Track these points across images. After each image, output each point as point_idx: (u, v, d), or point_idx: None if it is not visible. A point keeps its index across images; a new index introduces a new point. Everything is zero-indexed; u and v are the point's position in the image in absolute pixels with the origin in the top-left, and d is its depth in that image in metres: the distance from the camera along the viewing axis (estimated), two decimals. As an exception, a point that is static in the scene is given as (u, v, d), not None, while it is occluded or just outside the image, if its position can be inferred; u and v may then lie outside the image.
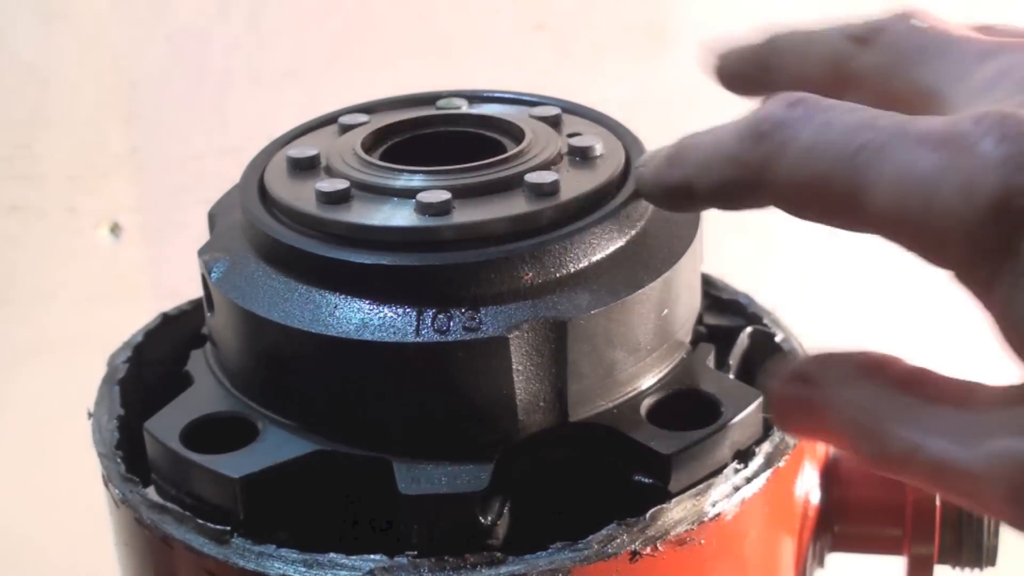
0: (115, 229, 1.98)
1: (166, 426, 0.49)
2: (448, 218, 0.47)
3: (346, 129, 0.55)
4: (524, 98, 0.57)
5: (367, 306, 0.46)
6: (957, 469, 0.37)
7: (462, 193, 0.48)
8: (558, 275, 0.46)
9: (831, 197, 0.39)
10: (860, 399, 0.40)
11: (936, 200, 0.36)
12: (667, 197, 0.45)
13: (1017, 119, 0.36)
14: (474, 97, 0.57)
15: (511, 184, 0.49)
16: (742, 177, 0.41)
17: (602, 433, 0.48)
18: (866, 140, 0.38)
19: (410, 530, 0.45)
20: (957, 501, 0.39)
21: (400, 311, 0.46)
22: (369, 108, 0.57)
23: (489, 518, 0.45)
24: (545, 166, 0.50)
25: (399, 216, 0.48)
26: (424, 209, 0.47)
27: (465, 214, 0.47)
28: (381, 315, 0.46)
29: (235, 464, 0.46)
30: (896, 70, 0.44)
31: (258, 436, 0.48)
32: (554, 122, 0.54)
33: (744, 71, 0.49)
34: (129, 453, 0.51)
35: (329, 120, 0.57)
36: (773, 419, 0.44)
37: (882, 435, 0.39)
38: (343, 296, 0.47)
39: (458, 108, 0.56)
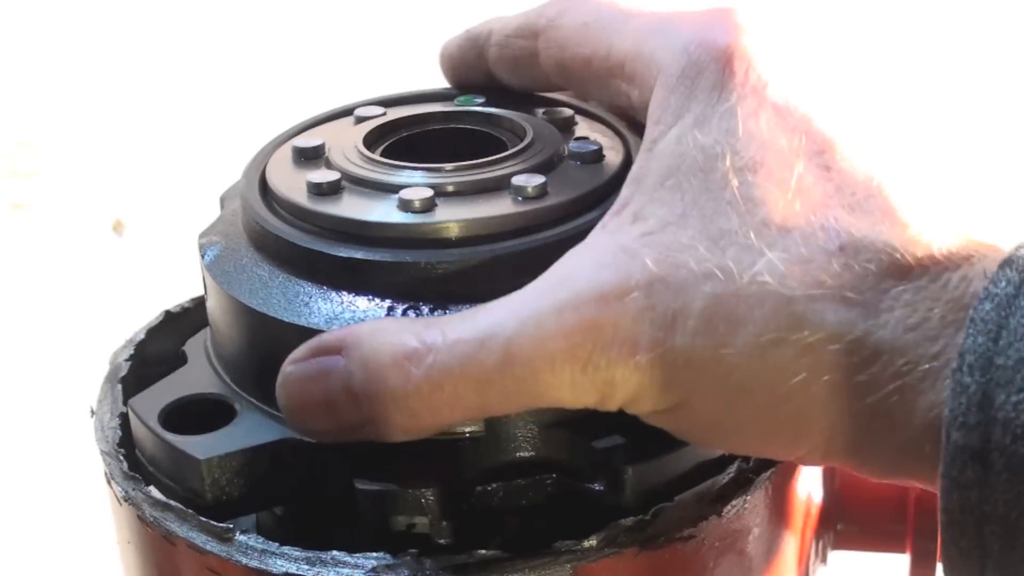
0: (118, 227, 1.98)
1: (149, 405, 0.49)
2: (428, 216, 0.47)
3: (360, 121, 0.55)
4: (541, 98, 0.56)
5: (339, 299, 0.46)
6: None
7: (447, 192, 0.48)
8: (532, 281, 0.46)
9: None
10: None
11: None
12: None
13: None
14: (493, 95, 0.57)
15: (499, 185, 0.49)
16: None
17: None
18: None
19: (368, 525, 0.45)
20: None
21: (370, 305, 0.46)
22: (386, 102, 0.57)
23: (441, 540, 0.45)
24: (537, 169, 0.50)
25: (381, 211, 0.48)
26: (406, 206, 0.47)
27: (446, 213, 0.47)
28: (352, 308, 0.46)
29: (203, 446, 0.46)
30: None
31: (233, 419, 0.48)
32: (564, 124, 0.54)
33: (465, 56, 0.54)
34: (131, 451, 0.51)
35: (346, 112, 0.57)
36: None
37: None
38: (320, 287, 0.47)
39: (474, 105, 0.56)
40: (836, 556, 0.57)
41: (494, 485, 0.47)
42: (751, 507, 0.47)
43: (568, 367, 0.41)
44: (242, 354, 0.50)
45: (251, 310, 0.48)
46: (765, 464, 0.48)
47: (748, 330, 0.40)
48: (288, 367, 0.44)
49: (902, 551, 0.56)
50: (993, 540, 0.37)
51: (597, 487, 0.46)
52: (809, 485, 0.53)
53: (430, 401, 0.42)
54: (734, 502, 0.47)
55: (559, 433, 0.47)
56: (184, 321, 0.59)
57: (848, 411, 0.40)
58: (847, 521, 0.56)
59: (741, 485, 0.47)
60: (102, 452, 0.51)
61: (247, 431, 0.47)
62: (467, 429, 0.46)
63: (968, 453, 0.36)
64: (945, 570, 0.39)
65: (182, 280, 0.65)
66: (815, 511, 0.54)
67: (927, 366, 0.38)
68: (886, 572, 0.59)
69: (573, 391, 0.42)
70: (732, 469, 0.48)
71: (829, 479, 0.55)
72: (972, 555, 0.37)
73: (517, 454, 0.47)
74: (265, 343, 0.48)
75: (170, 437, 0.47)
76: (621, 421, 0.45)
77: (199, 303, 0.59)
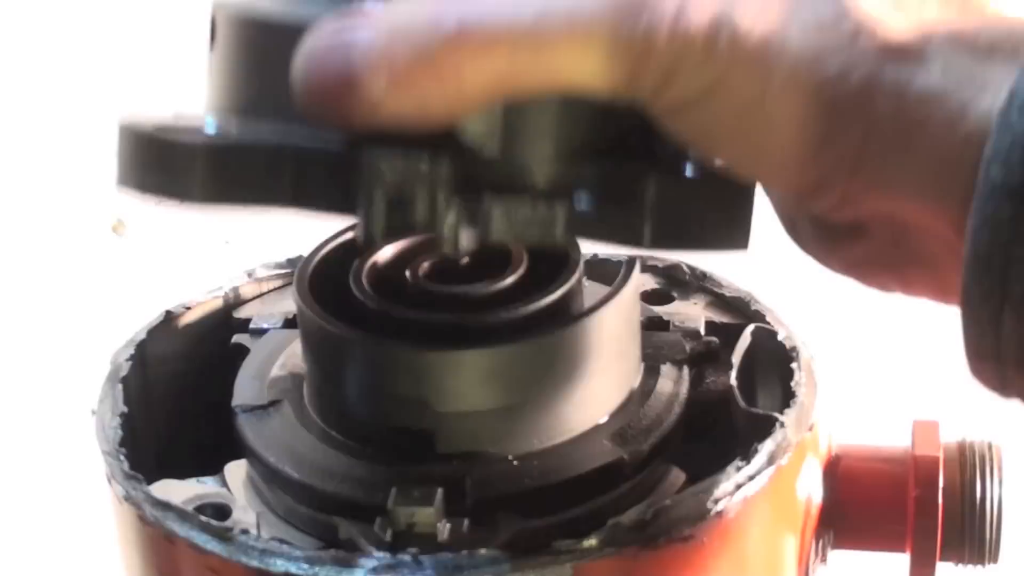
0: (118, 227, 1.98)
1: (139, 121, 0.45)
2: None
3: None
4: None
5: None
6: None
7: None
8: None
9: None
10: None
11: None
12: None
13: None
14: None
15: None
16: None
17: None
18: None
19: (366, 198, 0.42)
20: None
21: None
22: None
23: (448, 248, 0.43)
24: None
25: None
26: None
27: None
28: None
29: (199, 134, 0.44)
30: None
31: (230, 133, 0.45)
32: None
33: None
34: (132, 451, 0.51)
35: None
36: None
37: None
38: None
39: None
40: (836, 556, 0.57)
41: (506, 202, 0.43)
42: (751, 507, 0.48)
43: (607, 27, 0.40)
44: (246, 73, 0.46)
45: (268, 23, 0.44)
46: (765, 464, 0.49)
47: (798, 15, 0.39)
48: (309, 40, 0.41)
49: (902, 551, 0.56)
50: (1017, 282, 0.36)
51: (615, 210, 0.43)
52: (809, 485, 0.53)
53: (457, 58, 0.40)
54: (734, 502, 0.47)
55: (575, 164, 0.44)
56: (185, 321, 0.59)
57: (887, 110, 0.39)
58: (847, 521, 0.56)
59: (741, 485, 0.48)
60: (103, 452, 0.51)
61: (246, 131, 0.44)
62: (480, 138, 0.42)
63: (1006, 191, 0.36)
64: (963, 309, 0.38)
65: (182, 280, 0.65)
66: (815, 511, 0.54)
67: (969, 82, 0.38)
68: (886, 572, 0.59)
69: (606, 61, 0.40)
70: (732, 469, 0.48)
71: (829, 478, 0.55)
72: (992, 295, 0.37)
73: (532, 177, 0.44)
74: (270, 54, 0.44)
75: (167, 133, 0.43)
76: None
77: (200, 303, 0.59)
